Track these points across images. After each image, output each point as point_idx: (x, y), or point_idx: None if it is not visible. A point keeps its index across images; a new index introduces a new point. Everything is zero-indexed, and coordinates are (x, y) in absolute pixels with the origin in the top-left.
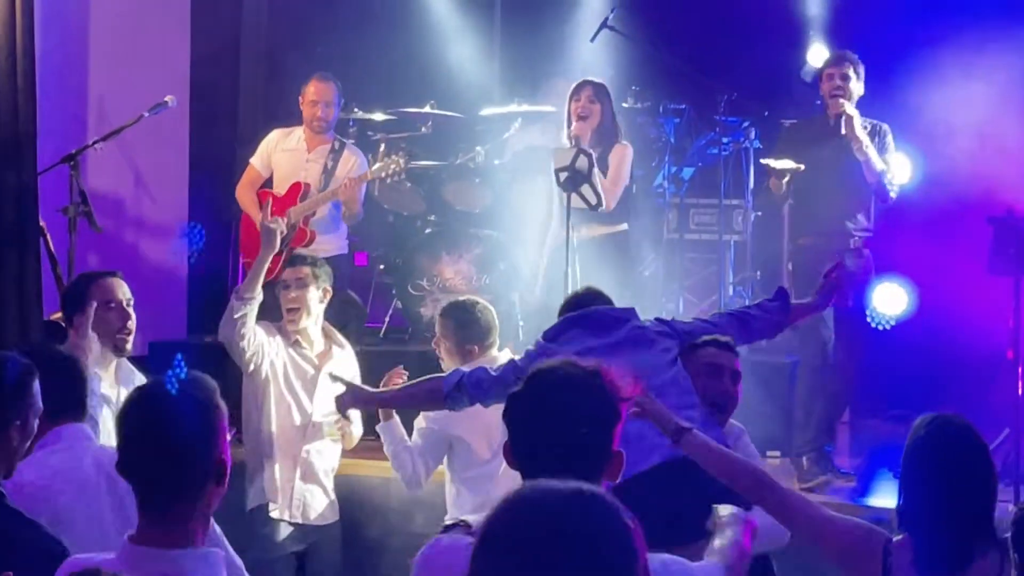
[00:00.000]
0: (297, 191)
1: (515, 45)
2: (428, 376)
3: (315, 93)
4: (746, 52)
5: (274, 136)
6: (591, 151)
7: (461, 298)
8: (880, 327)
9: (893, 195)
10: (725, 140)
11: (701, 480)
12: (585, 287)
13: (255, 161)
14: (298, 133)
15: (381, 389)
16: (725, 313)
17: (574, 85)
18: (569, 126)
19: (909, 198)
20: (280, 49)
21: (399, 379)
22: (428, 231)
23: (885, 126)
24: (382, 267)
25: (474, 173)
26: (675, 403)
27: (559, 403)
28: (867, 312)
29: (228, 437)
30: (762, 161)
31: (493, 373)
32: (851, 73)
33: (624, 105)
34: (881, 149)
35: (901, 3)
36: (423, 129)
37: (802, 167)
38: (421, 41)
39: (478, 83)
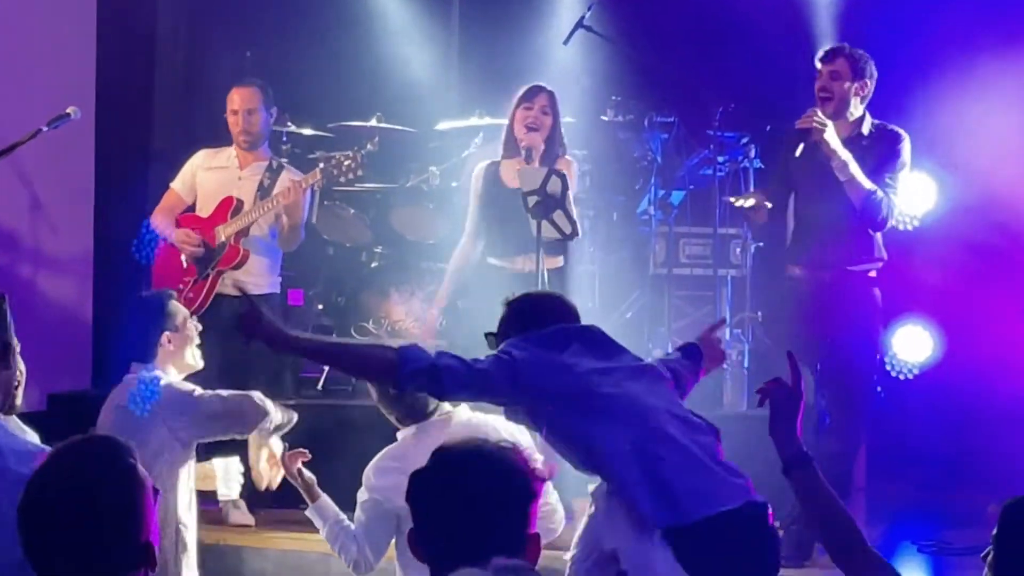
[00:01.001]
0: (227, 207)
1: (476, 48)
2: (376, 343)
3: (235, 101)
4: (746, 57)
5: (199, 156)
6: (563, 172)
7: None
8: (901, 376)
9: (898, 222)
10: (721, 159)
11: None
12: (551, 292)
13: (176, 185)
14: (228, 152)
15: (306, 336)
16: (659, 361)
17: (523, 90)
18: (509, 138)
19: (933, 226)
20: (202, 53)
21: (299, 461)
22: (374, 265)
23: (900, 133)
24: (321, 307)
25: (428, 197)
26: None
27: (471, 483)
28: (887, 359)
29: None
30: (725, 199)
31: (475, 365)
32: (844, 70)
33: (603, 118)
34: (887, 160)
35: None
36: (369, 146)
37: (769, 205)
38: (367, 44)
39: (433, 93)
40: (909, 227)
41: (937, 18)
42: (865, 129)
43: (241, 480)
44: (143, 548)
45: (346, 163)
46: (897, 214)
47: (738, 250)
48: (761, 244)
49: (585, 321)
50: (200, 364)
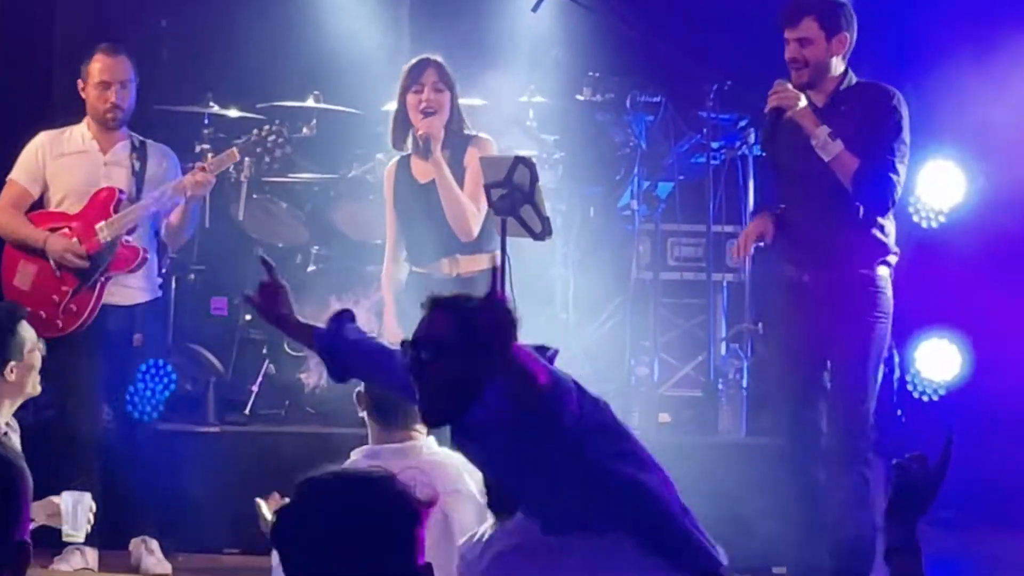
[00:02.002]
0: (106, 200)
1: (430, 16)
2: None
3: (104, 71)
4: (744, 25)
5: (42, 140)
6: (532, 160)
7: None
8: (925, 398)
9: (920, 217)
10: (715, 145)
11: None
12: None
13: (18, 175)
14: (79, 131)
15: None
16: None
17: (406, 69)
18: (400, 126)
19: (960, 222)
20: (109, 19)
21: (276, 503)
22: (312, 268)
23: (890, 89)
24: (248, 318)
25: (375, 190)
26: None
27: (339, 515)
28: (908, 378)
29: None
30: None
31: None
32: (814, 31)
33: (579, 98)
34: (877, 123)
35: None
36: (305, 130)
37: (768, 238)
38: (303, 11)
39: (380, 68)
40: (933, 224)
41: None
42: (844, 91)
43: (91, 520)
44: (17, 546)
45: (270, 138)
46: (902, 193)
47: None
48: (763, 244)
49: (558, 334)
50: (39, 390)
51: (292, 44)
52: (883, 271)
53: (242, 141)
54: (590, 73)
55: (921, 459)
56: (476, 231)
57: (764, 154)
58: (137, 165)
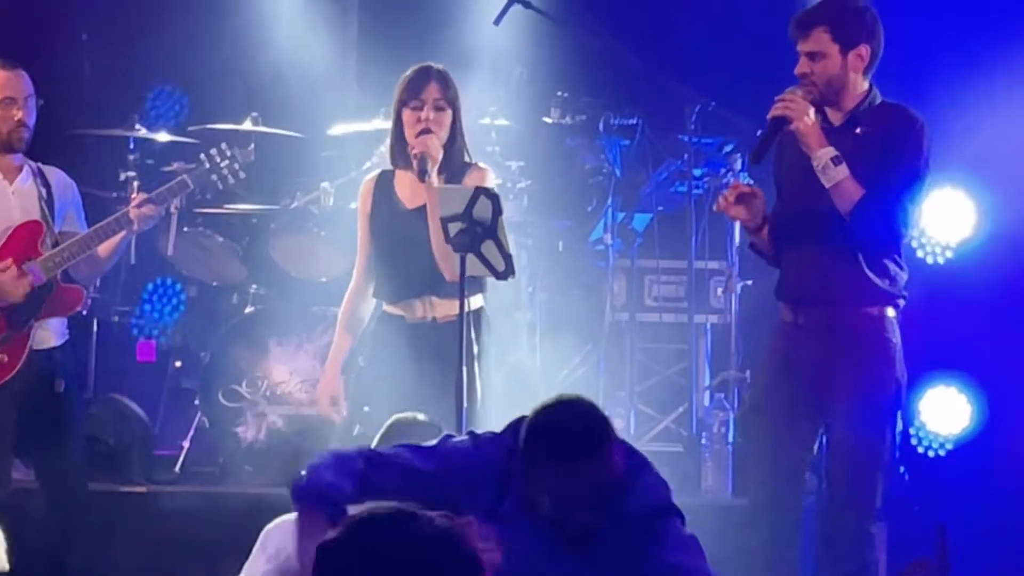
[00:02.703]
0: (32, 235)
1: (381, 31)
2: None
3: (7, 86)
4: (728, 42)
5: None
6: (494, 191)
7: (398, 417)
8: (931, 453)
9: (926, 252)
10: (698, 172)
11: None
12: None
13: None
14: None
15: None
16: None
17: (405, 78)
18: (398, 144)
19: (971, 257)
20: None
21: None
22: (249, 309)
23: (913, 114)
24: (179, 364)
25: (319, 222)
26: None
27: (393, 567)
28: (912, 431)
29: None
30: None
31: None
32: (826, 44)
33: (547, 120)
34: (894, 150)
35: None
36: (241, 156)
37: (758, 192)
38: (240, 26)
39: (325, 88)
40: (940, 259)
41: (980, 6)
42: (865, 112)
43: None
44: None
45: (223, 164)
46: (914, 229)
47: (720, 290)
48: (750, 283)
49: (524, 382)
50: None
51: (228, 60)
52: (890, 312)
53: (195, 168)
54: (559, 93)
55: (923, 565)
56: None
57: (749, 170)
58: (44, 192)
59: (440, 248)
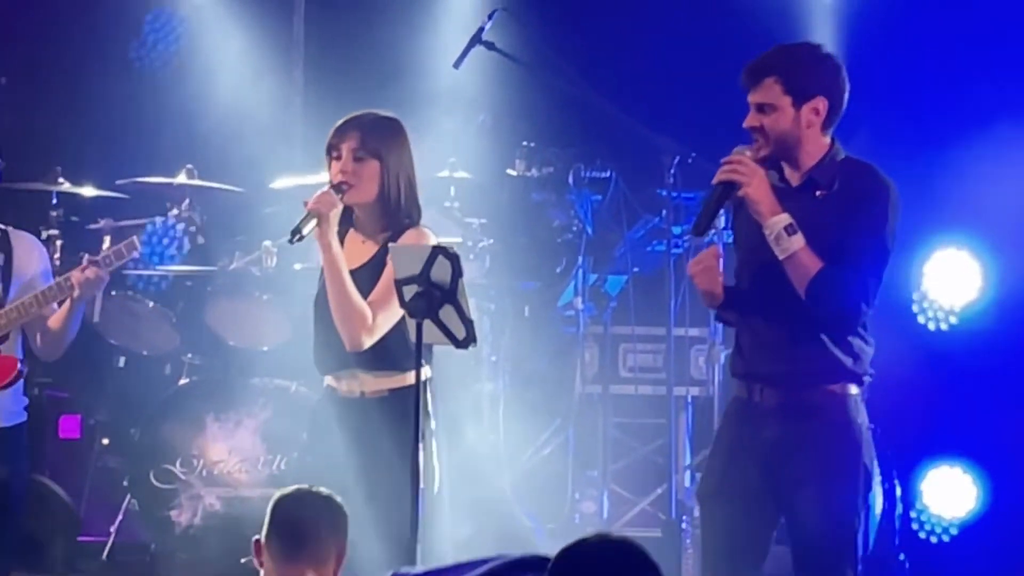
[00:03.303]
0: None
1: (328, 76)
2: None
3: None
4: (710, 87)
5: None
6: (454, 250)
7: (289, 490)
8: (934, 538)
9: (928, 319)
10: (677, 230)
11: None
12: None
13: None
14: None
15: None
16: None
17: (334, 129)
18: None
19: (977, 324)
20: None
21: None
22: (184, 381)
23: (880, 176)
24: (106, 442)
25: (260, 285)
26: None
27: None
28: (913, 515)
29: None
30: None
31: None
32: (776, 95)
33: (511, 172)
34: (857, 215)
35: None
36: (174, 212)
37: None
38: (173, 71)
39: (268, 138)
40: (943, 325)
41: (983, 53)
42: (826, 173)
43: None
44: None
45: (179, 226)
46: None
47: (701, 360)
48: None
49: (486, 462)
50: None
51: (161, 109)
52: (854, 390)
53: (149, 224)
54: (524, 142)
55: None
56: (365, 342)
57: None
58: (1, 258)
59: (338, 315)
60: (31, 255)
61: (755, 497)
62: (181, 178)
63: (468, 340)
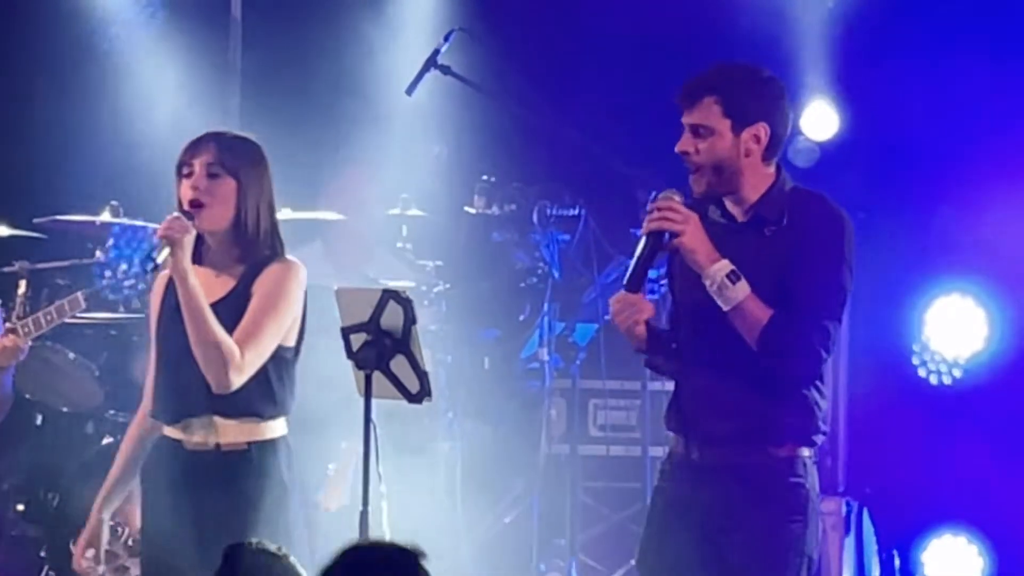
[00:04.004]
0: None
1: (267, 105)
2: None
3: None
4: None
5: None
6: (406, 295)
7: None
8: None
9: (929, 371)
10: (653, 273)
11: None
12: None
13: None
14: None
15: None
16: None
17: (185, 146)
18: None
19: (981, 380)
20: None
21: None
22: (108, 441)
23: (832, 207)
24: (21, 509)
25: None
26: None
27: None
28: None
29: None
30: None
31: None
32: (714, 117)
33: (469, 210)
34: (810, 254)
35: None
36: (99, 254)
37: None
38: (95, 97)
39: None
40: (945, 379)
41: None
42: (772, 208)
43: None
44: None
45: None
46: (923, 336)
47: None
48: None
49: (441, 531)
50: None
51: (82, 139)
52: (805, 452)
53: (102, 283)
54: (484, 177)
55: None
56: (235, 381)
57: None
58: None
59: (200, 353)
60: None
61: (688, 569)
62: (105, 215)
63: (422, 394)
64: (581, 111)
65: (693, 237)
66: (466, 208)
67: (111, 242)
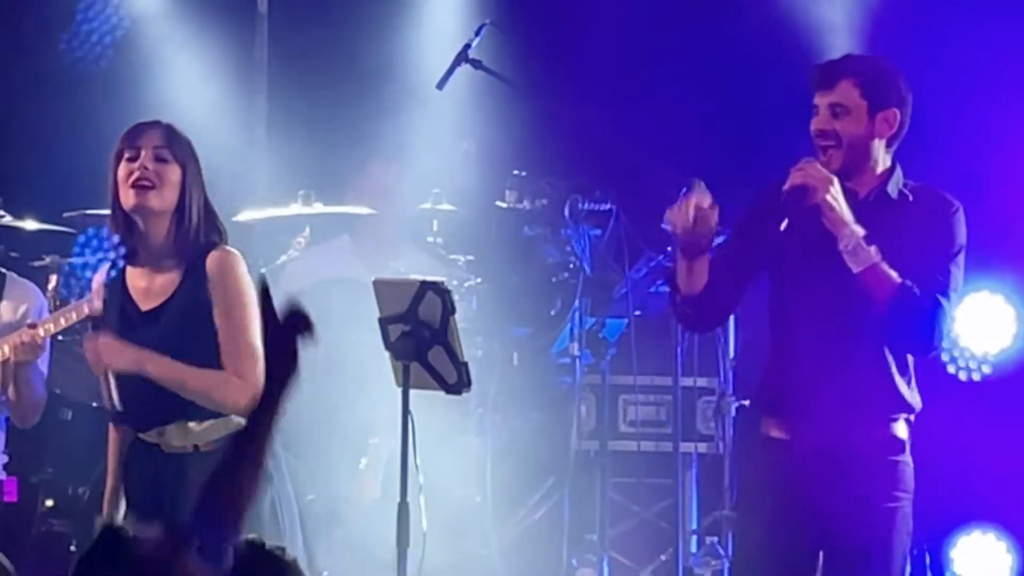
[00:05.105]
0: None
1: (295, 99)
2: None
3: None
4: (722, 108)
5: None
6: (445, 286)
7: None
8: None
9: (958, 367)
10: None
11: None
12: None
13: None
14: None
15: None
16: None
17: (126, 133)
18: (116, 216)
19: (1011, 376)
20: None
21: None
22: None
23: (950, 200)
24: (50, 504)
25: None
26: None
27: None
28: None
29: None
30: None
31: None
32: (853, 98)
33: (500, 205)
34: (932, 241)
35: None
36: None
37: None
38: (123, 90)
39: (230, 166)
40: (975, 375)
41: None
42: (893, 190)
43: None
44: None
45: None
46: (952, 333)
47: (711, 411)
48: (747, 403)
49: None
50: None
51: (111, 134)
52: (902, 431)
53: (80, 303)
54: (515, 172)
55: None
56: (252, 399)
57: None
58: None
59: (203, 398)
60: (19, 306)
61: (785, 551)
62: None
63: (460, 385)
64: (613, 105)
65: (836, 196)
66: (497, 203)
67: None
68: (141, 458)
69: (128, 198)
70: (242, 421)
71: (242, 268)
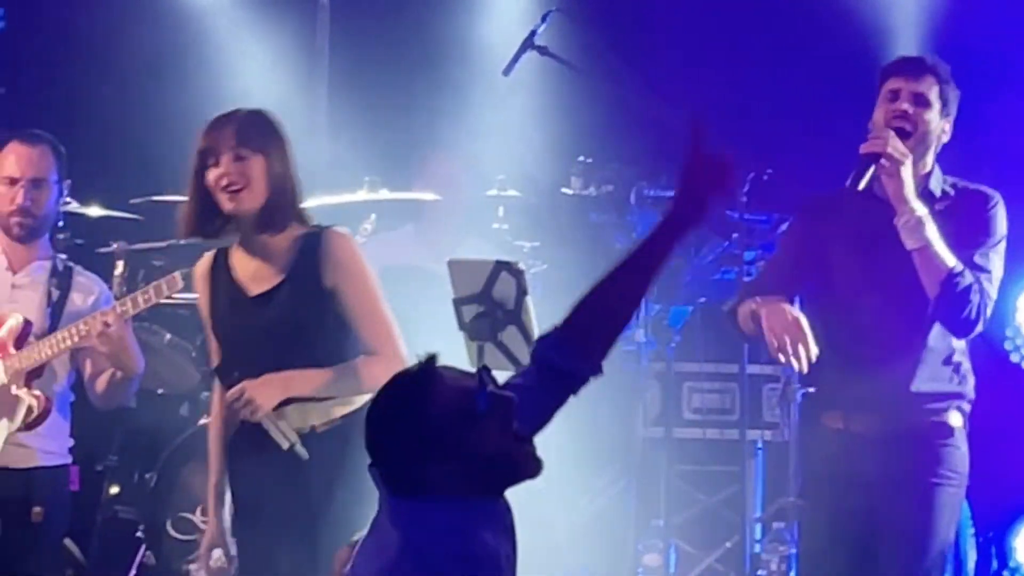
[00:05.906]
0: (12, 331)
1: (358, 85)
2: None
3: (14, 165)
4: (789, 95)
5: None
6: (519, 266)
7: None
8: None
9: (1013, 349)
10: (749, 256)
11: None
12: None
13: None
14: None
15: None
16: None
17: (208, 124)
18: (202, 213)
19: None
20: None
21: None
22: (204, 421)
23: (989, 193)
24: (116, 491)
25: None
26: None
27: None
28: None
29: None
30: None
31: None
32: (933, 95)
33: (566, 191)
34: (975, 232)
35: None
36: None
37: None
38: (186, 74)
39: (295, 152)
40: None
41: None
42: (936, 187)
43: None
44: None
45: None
46: (1016, 322)
47: (775, 399)
48: (812, 390)
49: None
50: None
51: (176, 122)
52: (956, 420)
53: (146, 288)
54: (581, 158)
55: None
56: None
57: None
58: (56, 294)
59: (363, 389)
60: (87, 298)
61: (849, 534)
62: None
63: None
64: (678, 92)
65: (908, 170)
66: (563, 189)
67: None
68: (255, 445)
69: (225, 203)
70: (355, 400)
71: (358, 246)
